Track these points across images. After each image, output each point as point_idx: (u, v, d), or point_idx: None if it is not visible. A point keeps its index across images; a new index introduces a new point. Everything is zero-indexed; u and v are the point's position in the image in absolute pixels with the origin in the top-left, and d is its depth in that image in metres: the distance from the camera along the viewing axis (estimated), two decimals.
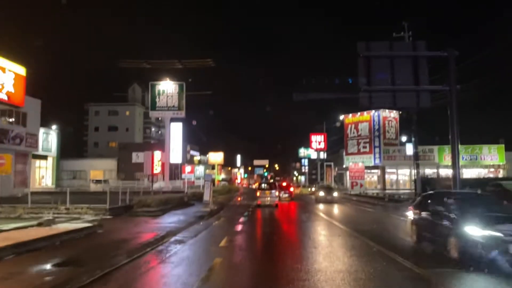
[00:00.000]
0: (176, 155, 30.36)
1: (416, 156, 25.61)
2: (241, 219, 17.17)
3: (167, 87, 29.19)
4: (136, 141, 59.65)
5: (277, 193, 25.79)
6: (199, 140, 70.03)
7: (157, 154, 24.86)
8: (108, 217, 15.26)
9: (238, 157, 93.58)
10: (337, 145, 65.60)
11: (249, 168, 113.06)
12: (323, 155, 67.83)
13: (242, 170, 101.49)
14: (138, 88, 70.37)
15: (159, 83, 29.65)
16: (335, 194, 30.11)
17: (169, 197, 21.35)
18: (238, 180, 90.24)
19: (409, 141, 33.31)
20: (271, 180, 60.91)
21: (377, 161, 52.19)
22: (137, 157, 44.26)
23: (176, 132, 30.45)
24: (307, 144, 72.65)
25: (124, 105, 63.64)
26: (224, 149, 67.33)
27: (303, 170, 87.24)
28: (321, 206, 25.30)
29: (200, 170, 44.04)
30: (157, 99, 29.26)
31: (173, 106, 29.19)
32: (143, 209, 16.93)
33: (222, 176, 78.34)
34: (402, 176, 53.10)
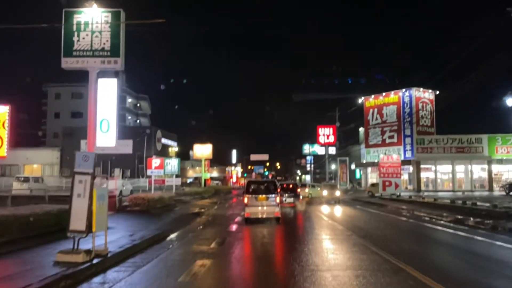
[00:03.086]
0: (106, 136, 17.72)
1: None
2: None
3: (93, 17, 17.09)
4: None
5: (277, 199, 15.50)
6: (177, 127, 57.76)
7: None
8: None
9: (234, 152, 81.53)
10: (347, 139, 56.17)
11: (250, 167, 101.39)
12: (334, 151, 58.43)
13: (239, 168, 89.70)
14: None
15: (80, 10, 17.36)
16: None
17: None
18: (234, 179, 78.70)
19: None
20: (269, 177, 47.43)
21: (409, 154, 40.33)
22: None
23: (106, 94, 18.08)
24: (312, 140, 63.24)
25: None
26: (217, 144, 54.65)
27: (307, 168, 76.96)
28: None
29: (173, 164, 32.11)
30: (75, 38, 17.16)
31: (102, 50, 16.89)
32: None
33: (214, 174, 66.68)
34: (441, 175, 41.05)
